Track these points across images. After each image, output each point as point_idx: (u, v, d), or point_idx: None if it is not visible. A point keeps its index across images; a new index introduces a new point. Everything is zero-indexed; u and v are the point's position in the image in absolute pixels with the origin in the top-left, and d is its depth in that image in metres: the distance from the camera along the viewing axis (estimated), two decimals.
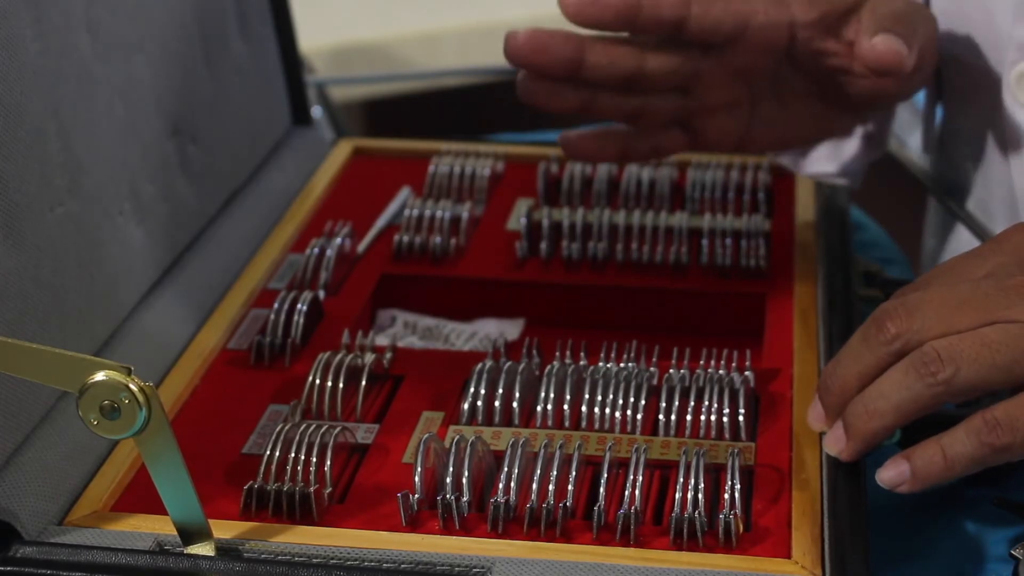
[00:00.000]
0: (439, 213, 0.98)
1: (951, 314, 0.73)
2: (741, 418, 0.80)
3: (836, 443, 0.77)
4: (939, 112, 1.04)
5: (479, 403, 0.81)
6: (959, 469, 0.72)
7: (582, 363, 0.84)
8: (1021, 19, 0.88)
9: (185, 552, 0.71)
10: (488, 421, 0.81)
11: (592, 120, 0.92)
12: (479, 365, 0.83)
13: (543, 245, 0.96)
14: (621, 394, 0.81)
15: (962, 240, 1.05)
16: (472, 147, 1.08)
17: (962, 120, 0.98)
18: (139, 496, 0.76)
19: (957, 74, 0.97)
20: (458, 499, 0.74)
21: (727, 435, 0.80)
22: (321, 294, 0.92)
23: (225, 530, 0.73)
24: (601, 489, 0.75)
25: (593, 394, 0.81)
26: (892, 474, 0.74)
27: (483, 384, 0.82)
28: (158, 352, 0.86)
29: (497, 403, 0.81)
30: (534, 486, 0.74)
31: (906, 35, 0.87)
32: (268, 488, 0.75)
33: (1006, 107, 0.92)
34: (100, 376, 0.68)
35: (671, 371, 0.84)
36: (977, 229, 1.00)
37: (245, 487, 0.75)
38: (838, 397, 0.77)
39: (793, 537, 0.73)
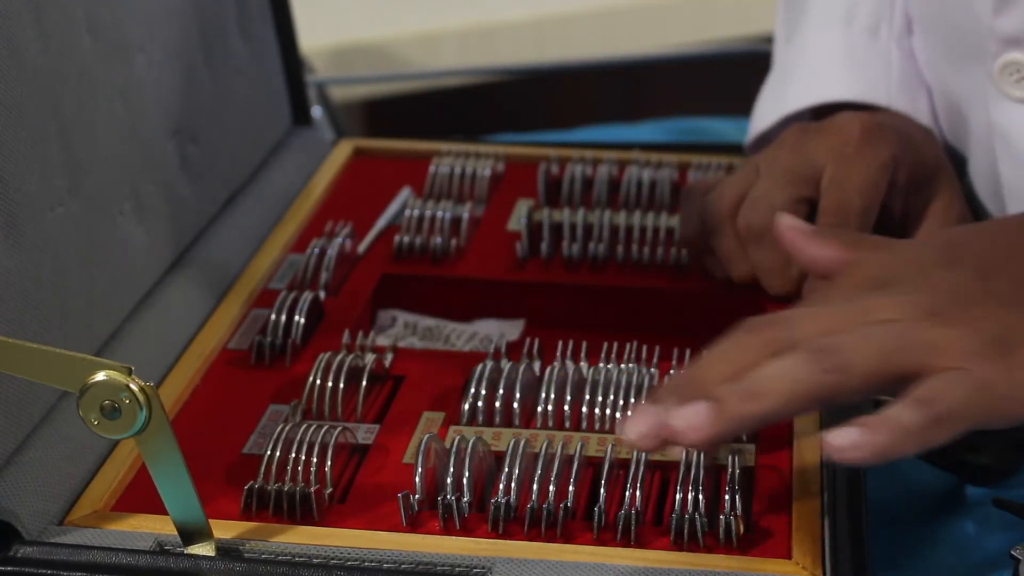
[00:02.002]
0: (439, 213, 0.98)
1: (826, 321, 0.69)
2: None
3: (695, 417, 0.66)
4: None
5: (480, 403, 0.81)
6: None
7: (582, 364, 0.84)
8: (1001, 11, 0.88)
9: (185, 552, 0.71)
10: (489, 421, 0.81)
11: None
12: (479, 365, 0.83)
13: (543, 246, 0.96)
14: (622, 395, 0.81)
15: None
16: (472, 147, 1.08)
17: (946, 113, 0.98)
18: (139, 496, 0.76)
19: (940, 67, 0.97)
20: (459, 499, 0.74)
21: None
22: (321, 294, 0.92)
23: (225, 530, 0.73)
24: (601, 489, 0.75)
25: (594, 395, 0.81)
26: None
27: (483, 384, 0.82)
28: (158, 352, 0.86)
29: (498, 403, 0.81)
30: (534, 486, 0.74)
31: None
32: (268, 488, 0.75)
33: (990, 99, 0.91)
34: (100, 376, 0.68)
35: (671, 372, 0.84)
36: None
37: (245, 487, 0.75)
38: (700, 390, 0.67)
39: (793, 537, 0.73)
